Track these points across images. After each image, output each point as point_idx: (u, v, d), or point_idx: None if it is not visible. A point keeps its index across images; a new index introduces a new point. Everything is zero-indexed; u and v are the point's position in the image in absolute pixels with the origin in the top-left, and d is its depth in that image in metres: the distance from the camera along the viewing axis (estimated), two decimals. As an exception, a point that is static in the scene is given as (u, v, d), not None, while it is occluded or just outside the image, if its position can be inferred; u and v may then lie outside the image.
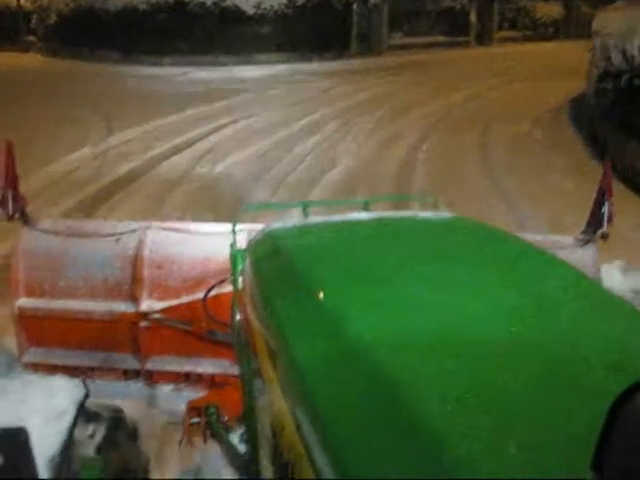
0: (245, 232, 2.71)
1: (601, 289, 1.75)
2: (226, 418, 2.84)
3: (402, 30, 22.61)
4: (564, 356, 1.31)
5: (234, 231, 2.39)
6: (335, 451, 1.18)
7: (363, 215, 2.21)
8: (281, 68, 17.52)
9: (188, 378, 3.40)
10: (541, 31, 26.86)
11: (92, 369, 3.38)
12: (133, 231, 3.41)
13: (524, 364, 1.29)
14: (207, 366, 3.36)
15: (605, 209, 2.96)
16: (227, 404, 2.86)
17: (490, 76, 16.19)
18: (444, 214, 2.26)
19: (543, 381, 1.23)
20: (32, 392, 2.26)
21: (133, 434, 2.61)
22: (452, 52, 22.04)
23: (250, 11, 18.26)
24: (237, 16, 18.10)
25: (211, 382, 3.35)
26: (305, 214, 2.46)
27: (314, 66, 18.18)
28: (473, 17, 24.64)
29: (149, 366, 3.39)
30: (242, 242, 2.37)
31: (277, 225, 2.21)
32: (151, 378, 3.42)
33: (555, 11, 27.37)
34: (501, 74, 16.46)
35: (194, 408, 2.97)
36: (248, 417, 2.19)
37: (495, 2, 25.24)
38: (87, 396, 2.31)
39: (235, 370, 2.52)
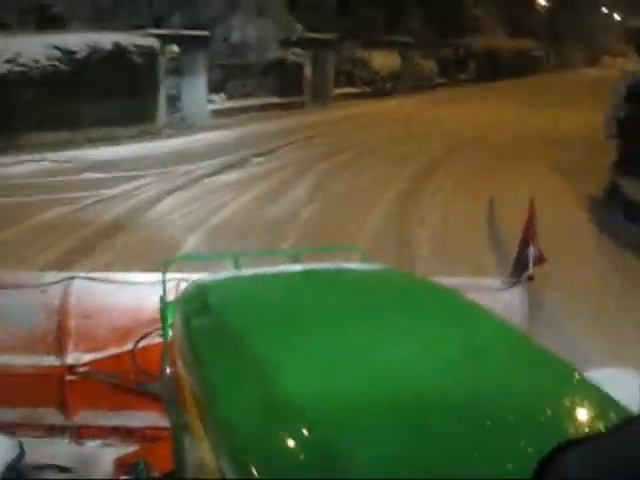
0: (174, 282, 2.72)
1: (527, 339, 1.77)
2: (156, 474, 2.67)
3: (224, 90, 16.50)
4: (489, 410, 1.32)
5: (164, 281, 2.38)
6: None
7: (293, 267, 2.28)
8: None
9: (117, 432, 3.30)
10: (379, 86, 22.30)
11: (16, 425, 3.16)
12: (59, 281, 3.32)
13: (449, 417, 1.30)
14: (136, 419, 3.23)
15: (531, 251, 2.95)
16: (157, 459, 2.69)
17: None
18: (371, 265, 2.34)
19: (467, 436, 1.24)
20: None
21: None
22: (288, 117, 17.90)
23: None
24: None
25: (142, 436, 3.24)
26: (236, 265, 2.46)
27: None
28: (308, 71, 19.27)
29: (76, 421, 3.27)
30: (170, 293, 2.41)
31: (207, 277, 2.29)
32: (78, 433, 3.31)
33: (392, 63, 22.96)
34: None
35: (122, 464, 2.88)
36: (178, 472, 2.10)
37: (329, 53, 20.14)
38: (21, 456, 2.32)
39: (165, 423, 2.47)
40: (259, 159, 12.17)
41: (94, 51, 13.01)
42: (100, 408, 3.28)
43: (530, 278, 3.08)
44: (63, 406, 3.27)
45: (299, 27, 18.99)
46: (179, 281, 2.79)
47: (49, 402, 3.27)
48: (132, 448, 3.11)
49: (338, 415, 1.33)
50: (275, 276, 2.18)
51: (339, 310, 1.84)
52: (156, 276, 2.68)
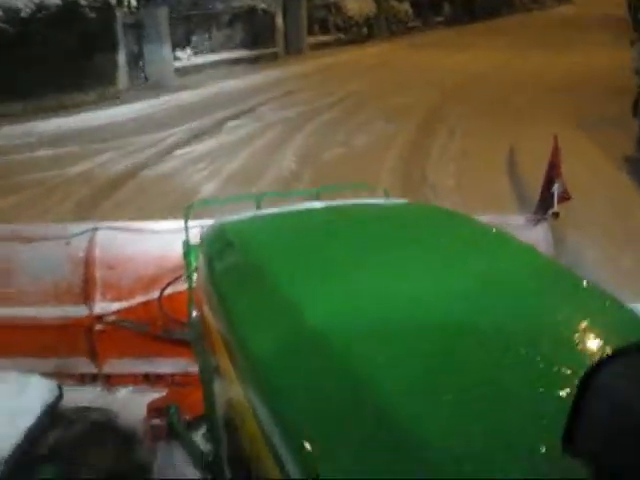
0: (198, 228, 2.61)
1: (559, 267, 1.77)
2: (187, 417, 2.76)
3: (190, 45, 15.03)
4: (524, 335, 1.33)
5: (186, 228, 2.37)
6: (296, 442, 1.17)
7: (316, 204, 2.25)
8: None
9: (147, 379, 3.34)
10: (354, 32, 20.90)
11: (48, 374, 3.09)
12: (83, 233, 3.32)
13: (484, 345, 1.30)
14: (166, 366, 3.27)
15: (555, 188, 2.93)
16: (188, 403, 2.78)
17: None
18: (396, 200, 2.30)
19: (504, 361, 1.25)
20: (7, 389, 2.34)
21: (100, 437, 2.72)
22: (261, 71, 16.41)
23: None
24: None
25: (171, 382, 3.28)
26: (257, 206, 2.46)
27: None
28: (279, 20, 17.80)
29: (106, 369, 3.32)
30: (196, 238, 2.35)
31: (229, 218, 2.23)
32: (109, 381, 3.34)
33: (367, 7, 21.50)
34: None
35: (154, 409, 2.91)
36: (209, 415, 2.15)
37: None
38: (60, 398, 2.43)
39: (194, 369, 2.45)
40: (234, 122, 10.85)
41: (41, 8, 11.47)
42: (129, 356, 3.31)
43: (555, 215, 3.04)
44: (93, 355, 3.31)
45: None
46: (202, 226, 2.65)
47: (79, 352, 3.31)
48: (162, 394, 3.11)
49: (366, 348, 1.32)
50: (298, 214, 2.17)
51: (364, 245, 1.83)
52: (180, 223, 2.62)
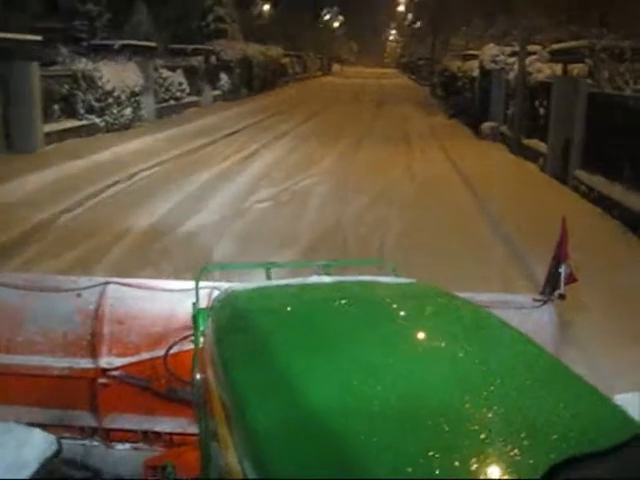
0: (207, 289, 2.81)
1: (550, 358, 1.76)
2: (183, 477, 2.69)
3: None
4: (508, 423, 1.37)
5: (197, 289, 2.40)
6: None
7: (324, 279, 2.28)
8: None
9: (146, 436, 3.28)
10: (115, 114, 14.56)
11: (48, 426, 3.01)
12: (94, 286, 3.29)
13: (471, 430, 1.35)
14: (165, 424, 3.21)
15: (562, 270, 2.93)
16: (184, 463, 2.72)
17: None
18: (403, 279, 2.35)
19: (486, 449, 1.30)
20: (4, 441, 2.42)
21: None
22: None
23: None
24: None
25: (170, 440, 3.24)
26: (267, 276, 2.55)
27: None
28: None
29: (107, 424, 3.23)
30: (203, 300, 2.43)
31: (240, 286, 2.30)
32: (108, 436, 3.28)
33: (131, 78, 15.37)
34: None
35: (151, 467, 2.94)
36: (204, 478, 2.12)
37: (30, 66, 11.79)
38: (58, 453, 2.51)
39: (193, 429, 2.62)
40: None
41: None
42: (130, 412, 3.24)
43: (561, 297, 2.98)
44: (95, 408, 3.25)
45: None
46: (212, 289, 2.84)
47: (81, 404, 3.26)
48: (159, 452, 3.15)
49: (363, 427, 1.33)
50: (305, 287, 2.20)
51: (367, 323, 1.84)
52: (189, 284, 2.79)
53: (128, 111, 16.19)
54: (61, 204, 8.75)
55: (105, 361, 3.16)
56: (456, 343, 1.71)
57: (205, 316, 2.19)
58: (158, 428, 3.21)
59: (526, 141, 12.95)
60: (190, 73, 22.10)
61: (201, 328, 2.21)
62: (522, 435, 1.31)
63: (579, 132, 9.80)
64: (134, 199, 9.43)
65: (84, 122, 14.57)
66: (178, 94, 20.52)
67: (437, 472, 1.21)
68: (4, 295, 3.30)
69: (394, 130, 18.54)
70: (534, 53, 13.62)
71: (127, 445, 3.25)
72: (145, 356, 3.15)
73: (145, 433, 3.25)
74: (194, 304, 2.31)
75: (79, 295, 3.26)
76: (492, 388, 1.49)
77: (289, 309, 2.01)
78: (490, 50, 15.42)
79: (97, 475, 3.03)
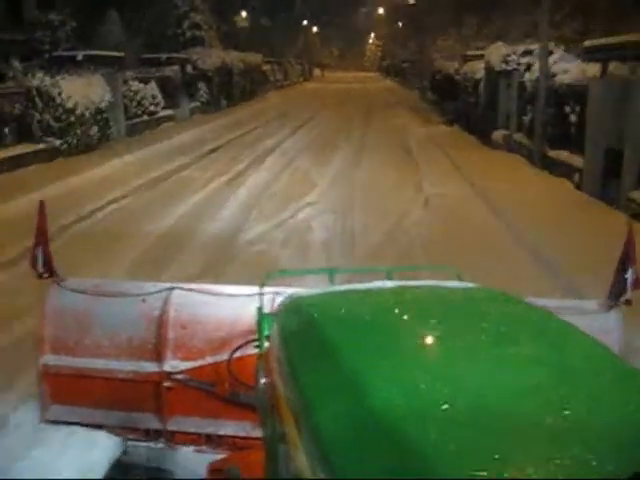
0: (271, 295, 2.81)
1: (620, 363, 1.71)
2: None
3: None
4: (578, 431, 1.34)
5: (261, 295, 2.45)
6: None
7: (387, 284, 2.28)
8: None
9: (209, 440, 3.33)
10: (79, 134, 12.76)
11: (113, 428, 3.26)
12: (159, 291, 3.37)
13: (540, 438, 1.32)
14: (229, 428, 3.27)
15: (629, 275, 2.91)
16: (248, 467, 2.71)
17: None
18: (466, 284, 2.32)
19: (556, 455, 1.26)
20: (73, 443, 2.56)
21: None
22: None
23: None
24: None
25: (233, 444, 3.28)
26: (331, 280, 2.57)
27: None
28: None
29: (171, 426, 3.31)
30: (266, 306, 2.45)
31: (304, 291, 2.35)
32: (172, 439, 3.34)
33: (96, 93, 13.75)
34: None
35: (215, 470, 2.91)
36: (272, 479, 2.13)
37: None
38: (124, 454, 2.69)
39: (256, 433, 2.62)
40: None
41: None
42: (194, 415, 3.31)
43: (628, 302, 2.97)
44: (159, 411, 3.32)
45: None
46: (275, 294, 2.82)
47: (146, 407, 3.33)
48: (222, 455, 3.13)
49: (431, 431, 1.32)
50: (369, 292, 2.20)
51: (433, 327, 1.83)
52: (252, 289, 2.85)
53: (94, 130, 14.25)
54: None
55: (170, 365, 3.23)
56: (524, 347, 1.69)
57: (269, 321, 2.23)
58: (221, 431, 3.26)
59: (553, 153, 11.13)
60: (165, 84, 20.15)
61: (265, 333, 2.24)
62: (596, 442, 1.29)
63: (637, 145, 8.04)
64: (80, 256, 6.53)
65: (41, 146, 12.58)
66: (152, 108, 18.55)
67: (507, 477, 1.20)
68: (72, 300, 3.37)
69: (392, 141, 16.68)
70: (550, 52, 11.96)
71: (191, 448, 3.28)
72: (209, 360, 3.20)
73: (208, 436, 3.29)
74: (259, 309, 2.34)
75: (144, 300, 3.33)
76: (563, 394, 1.47)
77: (354, 313, 2.00)
78: (499, 49, 13.69)
79: (161, 477, 3.11)
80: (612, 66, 9.57)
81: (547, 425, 1.33)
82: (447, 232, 7.98)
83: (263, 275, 2.50)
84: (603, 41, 9.37)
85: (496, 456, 1.23)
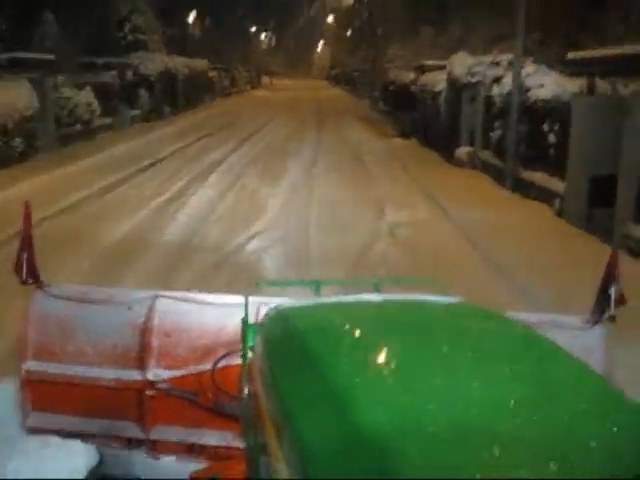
0: (255, 305, 2.78)
1: (602, 382, 1.74)
2: None
3: None
4: (557, 448, 1.35)
5: (246, 305, 2.41)
6: None
7: (373, 297, 2.27)
8: None
9: (191, 449, 3.29)
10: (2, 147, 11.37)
11: (95, 436, 3.23)
12: (144, 299, 3.32)
13: (520, 455, 1.33)
14: (211, 438, 3.22)
15: (612, 292, 2.93)
16: (230, 477, 2.73)
17: None
18: (451, 298, 2.30)
19: (535, 471, 1.28)
20: (49, 454, 2.50)
21: None
22: None
23: None
24: None
25: (215, 454, 3.23)
26: (316, 292, 2.55)
27: None
28: None
29: (153, 435, 3.26)
30: (251, 315, 2.44)
31: (289, 302, 2.33)
32: (154, 448, 3.29)
33: (20, 101, 12.28)
34: None
35: (197, 479, 2.90)
36: None
37: None
38: (100, 464, 2.62)
39: (239, 443, 2.59)
40: None
41: None
42: (177, 424, 3.25)
43: (612, 318, 2.97)
44: (141, 420, 3.26)
45: None
46: (260, 304, 2.82)
47: (128, 415, 3.27)
48: (205, 465, 3.09)
49: (413, 446, 1.33)
50: (355, 305, 2.19)
51: (414, 342, 1.83)
52: (237, 298, 2.84)
53: (18, 142, 12.72)
54: None
55: (153, 373, 3.18)
56: (503, 364, 1.69)
57: (254, 332, 2.20)
58: (204, 441, 3.21)
59: (527, 174, 10.23)
60: (102, 91, 18.60)
61: (250, 343, 2.21)
62: (576, 459, 1.30)
63: (634, 171, 7.05)
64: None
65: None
66: (87, 116, 17.00)
67: None
68: (56, 306, 3.33)
69: (347, 155, 15.56)
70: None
71: (172, 457, 3.25)
72: (192, 369, 3.16)
73: (190, 445, 3.25)
74: (243, 319, 2.33)
75: (129, 308, 3.29)
76: (543, 411, 1.47)
77: (338, 327, 1.98)
78: (463, 60, 12.73)
79: None
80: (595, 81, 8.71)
81: (526, 441, 1.34)
82: (418, 274, 6.88)
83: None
84: (591, 53, 8.36)
85: (476, 471, 1.24)
